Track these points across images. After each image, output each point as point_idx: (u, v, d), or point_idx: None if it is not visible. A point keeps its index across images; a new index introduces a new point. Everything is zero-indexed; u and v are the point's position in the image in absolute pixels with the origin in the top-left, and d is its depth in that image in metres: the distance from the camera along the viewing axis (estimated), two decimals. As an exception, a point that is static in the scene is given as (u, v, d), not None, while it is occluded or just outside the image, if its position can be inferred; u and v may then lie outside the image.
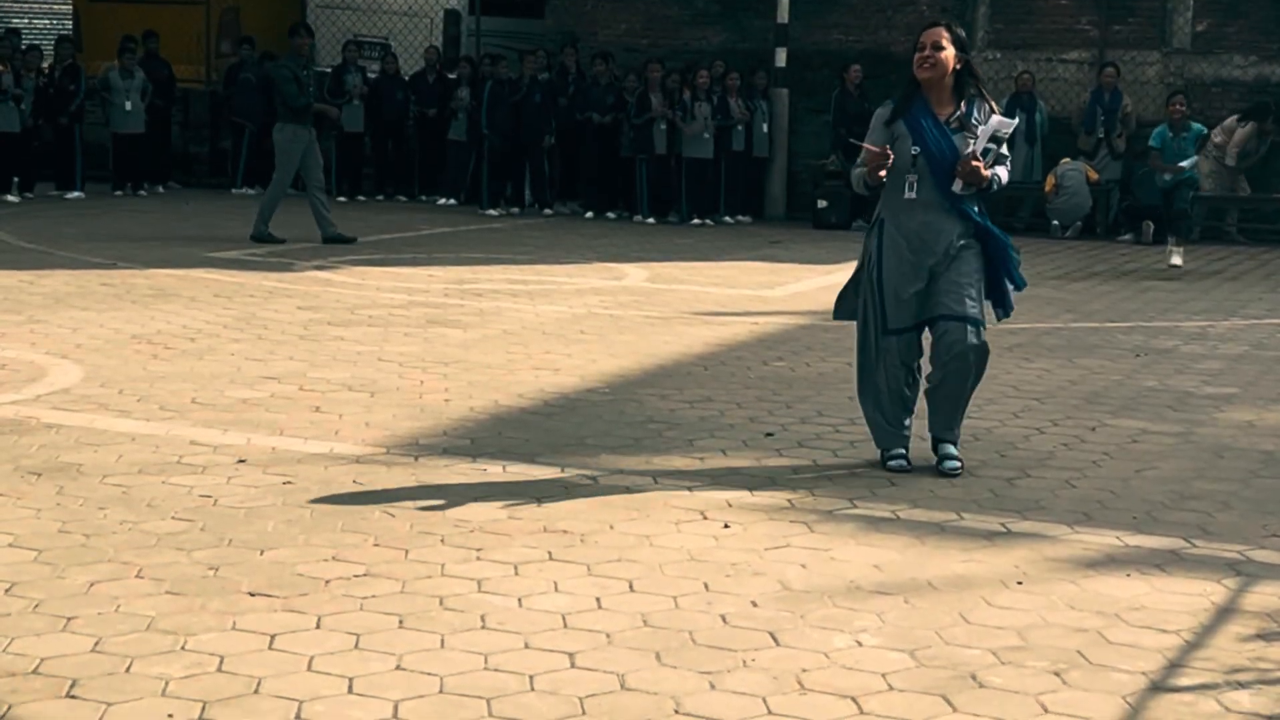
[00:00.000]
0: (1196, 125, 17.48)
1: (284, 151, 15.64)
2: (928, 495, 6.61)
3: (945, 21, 6.84)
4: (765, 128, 19.98)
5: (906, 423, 7.03)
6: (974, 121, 6.65)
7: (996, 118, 6.66)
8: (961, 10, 20.32)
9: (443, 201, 20.58)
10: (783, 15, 20.20)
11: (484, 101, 19.87)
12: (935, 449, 7.04)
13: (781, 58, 20.24)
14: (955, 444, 7.02)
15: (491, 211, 19.75)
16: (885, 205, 6.83)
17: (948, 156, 6.61)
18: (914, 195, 6.68)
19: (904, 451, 7.03)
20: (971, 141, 6.59)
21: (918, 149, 6.62)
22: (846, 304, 7.11)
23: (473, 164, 20.42)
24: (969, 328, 6.68)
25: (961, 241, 6.70)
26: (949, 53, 6.63)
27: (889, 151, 6.59)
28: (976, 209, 6.75)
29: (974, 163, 6.54)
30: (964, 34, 6.84)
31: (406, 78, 21.14)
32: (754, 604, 5.20)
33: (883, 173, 6.62)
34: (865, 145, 6.68)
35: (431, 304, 11.90)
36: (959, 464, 6.93)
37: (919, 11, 20.34)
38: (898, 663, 4.69)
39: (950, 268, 6.69)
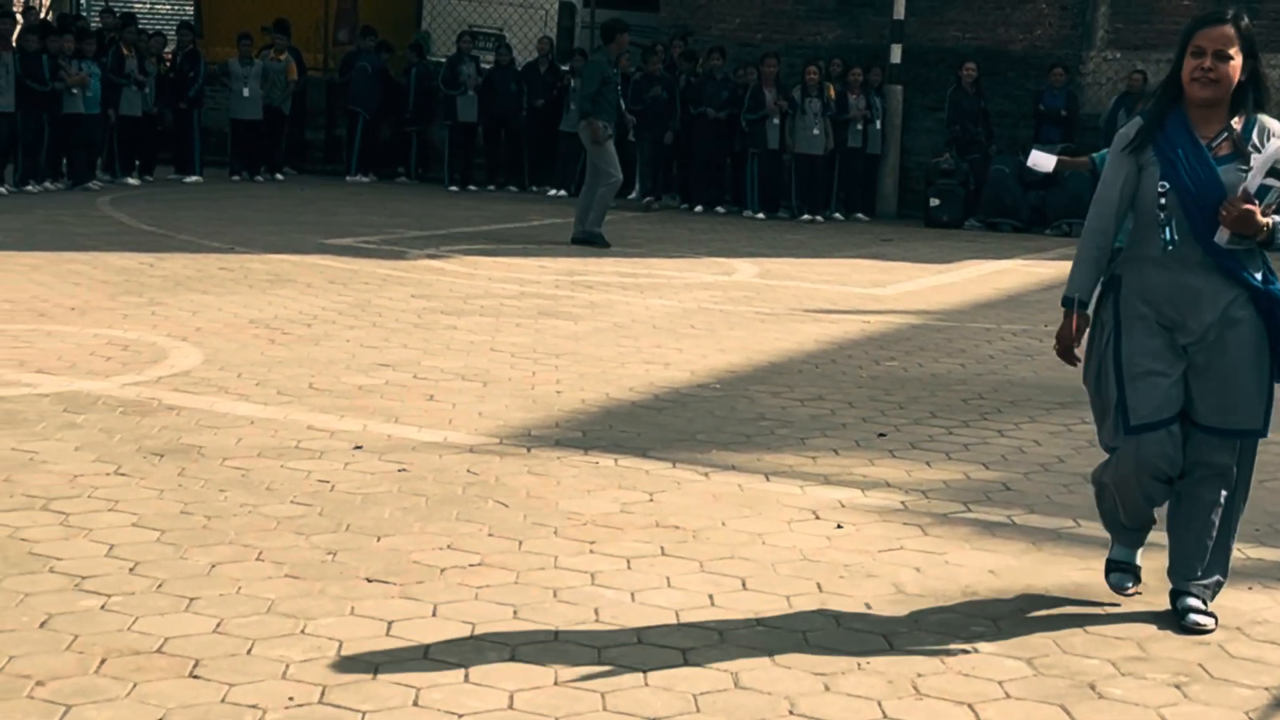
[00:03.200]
0: None
1: (593, 147, 15.33)
2: (1044, 501, 6.53)
3: (1234, 14, 4.85)
4: (879, 124, 19.86)
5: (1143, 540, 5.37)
6: (1250, 148, 4.79)
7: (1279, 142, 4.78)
8: (1082, 9, 20.06)
9: (553, 193, 20.66)
10: (899, 11, 20.06)
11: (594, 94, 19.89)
12: (1174, 602, 5.14)
13: (897, 54, 20.10)
14: (1202, 598, 5.10)
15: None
16: (1125, 257, 4.98)
17: (1210, 195, 4.74)
18: (1165, 248, 4.84)
19: (1129, 566, 5.36)
20: (1244, 175, 4.75)
21: (1166, 184, 4.79)
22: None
23: (583, 156, 20.47)
24: (1236, 444, 4.98)
25: (1233, 313, 4.81)
26: (1237, 63, 4.77)
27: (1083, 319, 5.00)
28: (1257, 270, 4.84)
29: (1245, 205, 4.67)
30: (1253, 32, 4.86)
31: (519, 68, 21.25)
32: (868, 606, 5.17)
33: (1078, 350, 5.03)
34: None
35: (542, 295, 11.95)
36: (1208, 620, 5.05)
37: (1036, 9, 20.12)
38: (1015, 670, 4.64)
39: (1215, 356, 4.86)
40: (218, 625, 4.72)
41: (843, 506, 6.36)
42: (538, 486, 6.47)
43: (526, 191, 21.13)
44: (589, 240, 15.23)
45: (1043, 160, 8.38)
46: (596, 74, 15.31)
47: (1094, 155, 8.96)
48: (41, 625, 4.65)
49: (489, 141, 21.55)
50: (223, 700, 4.17)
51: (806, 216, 19.35)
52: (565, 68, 20.69)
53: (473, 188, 21.11)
